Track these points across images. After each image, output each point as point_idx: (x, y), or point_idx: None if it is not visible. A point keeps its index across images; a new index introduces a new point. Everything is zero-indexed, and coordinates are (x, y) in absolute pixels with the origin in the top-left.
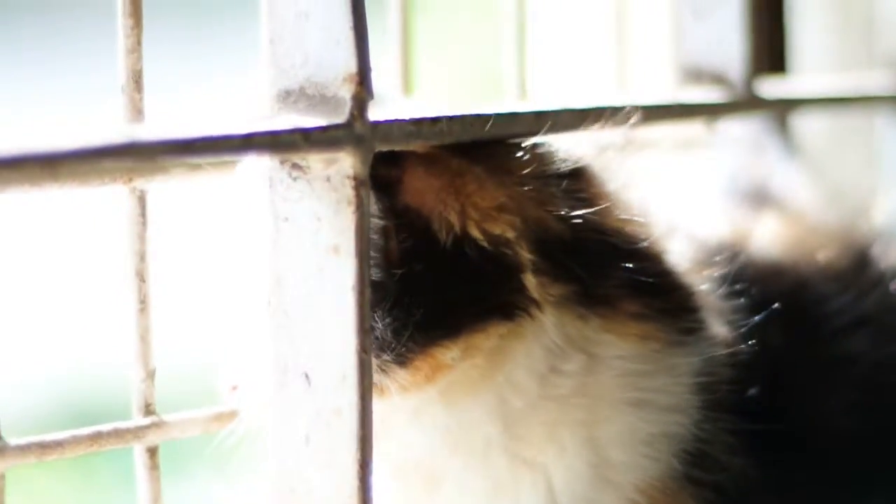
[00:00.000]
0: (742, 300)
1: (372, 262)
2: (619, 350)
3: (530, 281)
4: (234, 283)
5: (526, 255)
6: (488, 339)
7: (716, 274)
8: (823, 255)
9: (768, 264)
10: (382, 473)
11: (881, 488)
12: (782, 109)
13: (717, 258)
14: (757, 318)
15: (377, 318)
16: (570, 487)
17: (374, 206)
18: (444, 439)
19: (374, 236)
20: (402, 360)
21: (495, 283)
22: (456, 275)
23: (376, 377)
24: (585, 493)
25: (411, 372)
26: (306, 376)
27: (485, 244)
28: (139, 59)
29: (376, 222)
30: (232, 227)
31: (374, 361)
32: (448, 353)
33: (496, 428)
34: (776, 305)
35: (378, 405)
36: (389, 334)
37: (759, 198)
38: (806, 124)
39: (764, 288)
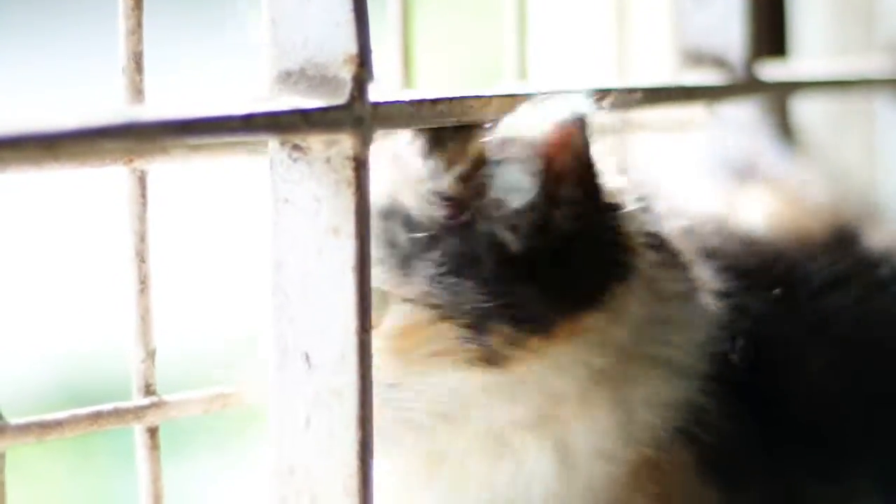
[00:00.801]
0: (728, 268)
1: (522, 233)
2: (640, 304)
3: (637, 242)
4: (237, 265)
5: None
6: (613, 298)
7: (704, 244)
8: (809, 228)
9: (754, 236)
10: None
11: (863, 442)
12: (782, 92)
13: (706, 230)
14: (742, 283)
15: (519, 292)
16: (591, 444)
17: (529, 179)
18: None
19: (530, 210)
20: (544, 328)
21: (618, 246)
22: (593, 242)
23: (506, 350)
24: (605, 449)
25: (548, 338)
26: (306, 357)
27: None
28: (140, 40)
29: (530, 196)
30: (235, 210)
31: (509, 333)
32: (592, 317)
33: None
34: (760, 271)
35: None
36: (537, 304)
37: (754, 176)
38: (806, 107)
39: (749, 257)
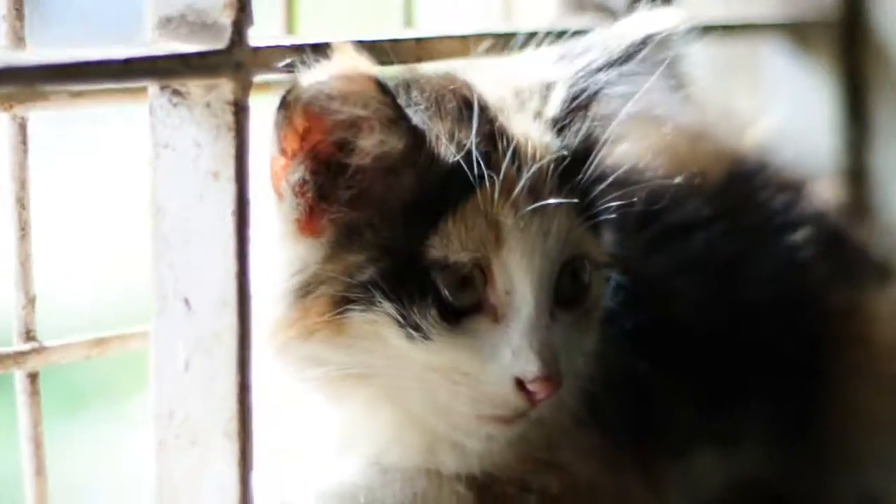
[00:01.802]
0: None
1: None
2: None
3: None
4: (119, 211)
5: None
6: None
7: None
8: (693, 166)
9: (643, 175)
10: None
11: (742, 381)
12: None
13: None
14: (623, 223)
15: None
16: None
17: None
18: None
19: None
20: None
21: None
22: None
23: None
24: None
25: None
26: (186, 301)
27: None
28: None
29: None
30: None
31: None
32: None
33: None
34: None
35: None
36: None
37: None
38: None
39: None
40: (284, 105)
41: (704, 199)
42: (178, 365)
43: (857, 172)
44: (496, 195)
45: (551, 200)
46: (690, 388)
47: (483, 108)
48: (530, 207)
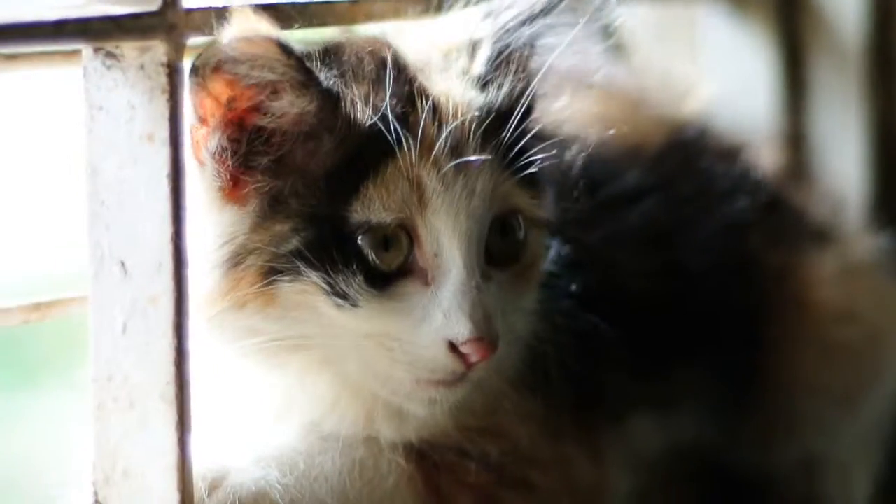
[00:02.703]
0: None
1: None
2: None
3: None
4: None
5: None
6: None
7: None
8: (633, 133)
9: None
10: None
11: (677, 345)
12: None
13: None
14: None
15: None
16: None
17: None
18: None
19: None
20: None
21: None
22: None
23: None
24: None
25: None
26: (122, 265)
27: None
28: None
29: None
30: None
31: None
32: None
33: None
34: (578, 176)
35: None
36: None
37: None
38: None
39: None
40: (195, 71)
41: (644, 167)
42: (115, 328)
43: (795, 136)
44: (415, 155)
45: (473, 157)
46: (628, 353)
47: (401, 69)
48: (451, 164)
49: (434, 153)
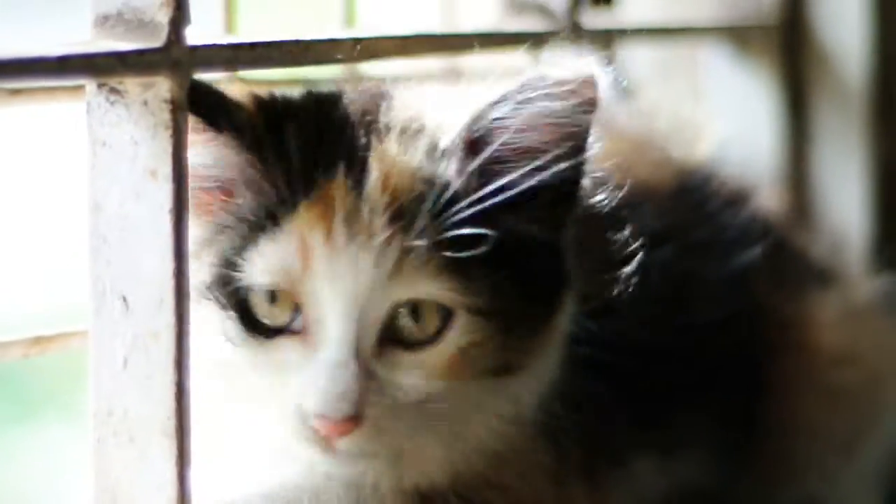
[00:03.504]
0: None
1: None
2: None
3: None
4: (57, 209)
5: None
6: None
7: None
8: (639, 175)
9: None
10: None
11: (682, 393)
12: (606, 40)
13: None
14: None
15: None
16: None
17: None
18: None
19: None
20: None
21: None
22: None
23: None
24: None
25: None
26: (124, 300)
27: None
28: None
29: None
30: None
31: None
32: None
33: None
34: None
35: None
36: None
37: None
38: (632, 55)
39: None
40: None
41: (656, 213)
42: (116, 363)
43: (797, 177)
44: (313, 219)
45: (375, 233)
46: (631, 397)
47: (351, 124)
48: (344, 235)
49: (334, 221)
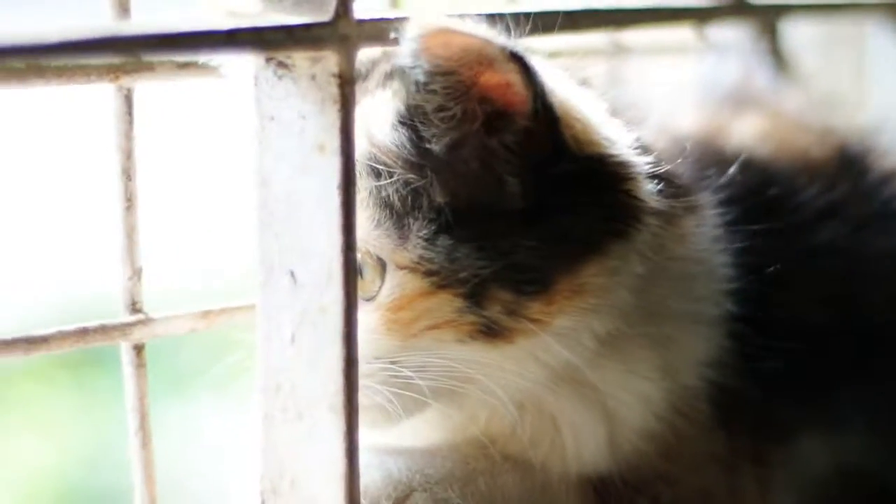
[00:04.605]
0: (729, 198)
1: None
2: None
3: (642, 189)
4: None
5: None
6: (613, 255)
7: (702, 172)
8: (809, 152)
9: (753, 161)
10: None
11: (848, 372)
12: (771, 16)
13: (704, 157)
14: (742, 213)
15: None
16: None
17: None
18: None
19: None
20: (544, 289)
21: (615, 195)
22: (585, 191)
23: (507, 320)
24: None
25: (549, 303)
26: (292, 275)
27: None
28: None
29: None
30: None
31: (509, 299)
32: (592, 274)
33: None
34: (757, 199)
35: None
36: (535, 260)
37: (749, 100)
38: (796, 31)
39: (747, 184)
40: None
41: (818, 189)
42: (283, 338)
43: None
44: None
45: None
46: (799, 374)
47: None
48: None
49: None
